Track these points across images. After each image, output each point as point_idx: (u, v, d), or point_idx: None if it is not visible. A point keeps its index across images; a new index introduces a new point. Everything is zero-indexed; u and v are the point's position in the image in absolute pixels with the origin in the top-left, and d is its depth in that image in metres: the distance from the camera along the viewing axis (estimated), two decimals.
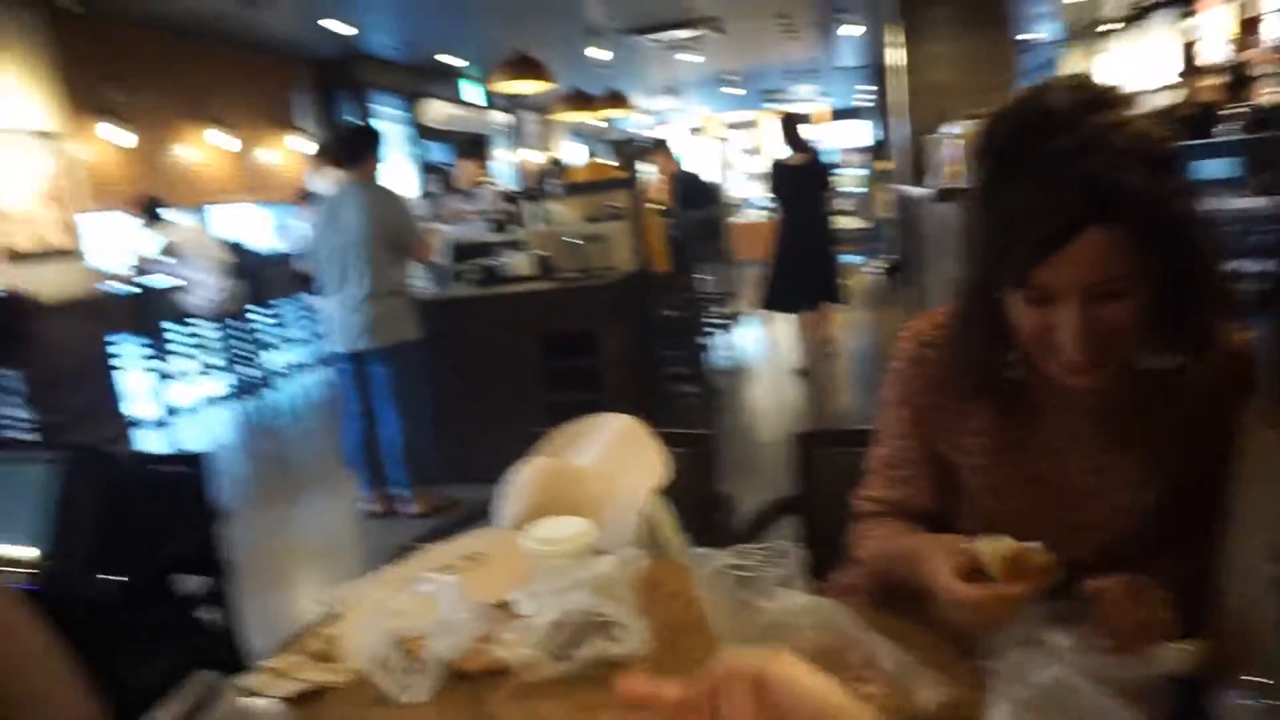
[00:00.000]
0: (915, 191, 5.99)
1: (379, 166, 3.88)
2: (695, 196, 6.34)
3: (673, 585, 1.36)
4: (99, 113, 6.57)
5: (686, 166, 7.20)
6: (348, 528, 4.08)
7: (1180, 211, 0.94)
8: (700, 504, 1.88)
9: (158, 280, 6.35)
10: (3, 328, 4.47)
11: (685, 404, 5.32)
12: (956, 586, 0.97)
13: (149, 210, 6.22)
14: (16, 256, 5.55)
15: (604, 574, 1.10)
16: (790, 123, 5.79)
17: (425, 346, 3.89)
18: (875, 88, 12.58)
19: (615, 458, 1.74)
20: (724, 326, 7.18)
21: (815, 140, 6.36)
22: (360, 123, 3.90)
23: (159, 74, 7.23)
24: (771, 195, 6.03)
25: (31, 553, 1.56)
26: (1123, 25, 9.73)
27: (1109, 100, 0.96)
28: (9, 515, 1.30)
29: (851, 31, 8.87)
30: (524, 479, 1.69)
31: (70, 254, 5.93)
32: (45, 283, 5.34)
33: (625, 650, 1.09)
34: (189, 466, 2.09)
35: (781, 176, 5.80)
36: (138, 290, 6.35)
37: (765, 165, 9.09)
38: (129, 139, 6.83)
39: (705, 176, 7.71)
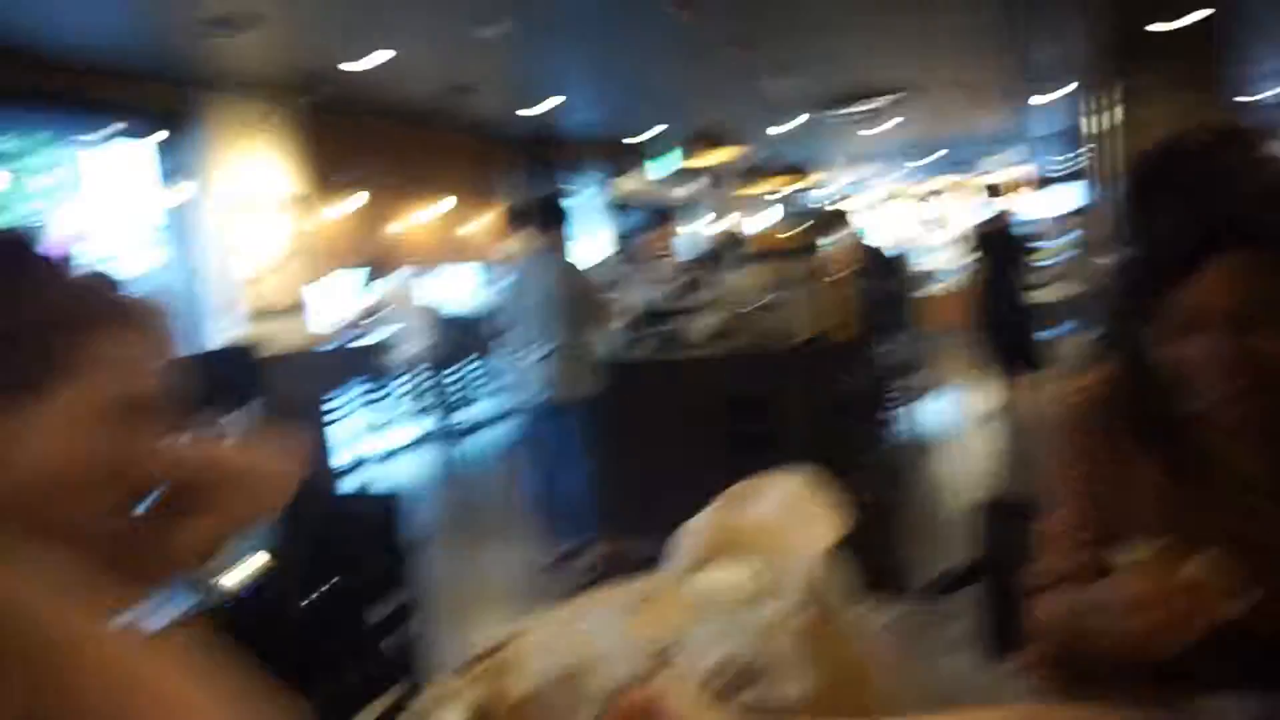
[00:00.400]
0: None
1: (565, 236, 4.19)
2: (877, 268, 6.23)
3: (840, 641, 1.33)
4: (332, 186, 7.33)
5: (869, 238, 7.11)
6: (527, 572, 4.22)
7: None
8: (875, 567, 1.82)
9: (373, 335, 6.94)
10: (231, 379, 4.98)
11: (864, 473, 5.16)
12: (1126, 582, 0.95)
13: (370, 271, 6.83)
14: (256, 313, 6.25)
15: (769, 620, 1.09)
16: (991, 192, 5.78)
17: (604, 404, 4.03)
18: (1075, 153, 11.99)
19: (789, 513, 1.72)
20: (907, 399, 6.94)
21: (1012, 208, 6.28)
22: (550, 194, 4.22)
23: (384, 153, 8.01)
24: (974, 259, 6.04)
25: (253, 566, 1.74)
26: None
27: (1245, 137, 0.98)
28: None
29: (1044, 99, 8.54)
30: (695, 529, 1.71)
31: (300, 310, 6.60)
32: (277, 336, 5.95)
33: (790, 697, 1.07)
34: (386, 506, 2.26)
35: (981, 242, 5.76)
36: (355, 344, 6.95)
37: (953, 235, 8.87)
38: (356, 209, 7.56)
39: (890, 247, 7.57)
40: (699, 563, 1.64)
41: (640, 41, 6.21)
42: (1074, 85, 7.95)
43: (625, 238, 6.46)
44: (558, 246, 4.12)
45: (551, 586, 3.98)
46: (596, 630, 1.13)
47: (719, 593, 1.22)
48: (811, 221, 6.36)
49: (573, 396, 3.97)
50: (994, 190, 6.64)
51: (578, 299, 4.01)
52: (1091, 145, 8.91)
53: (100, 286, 0.68)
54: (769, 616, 1.09)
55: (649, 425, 4.34)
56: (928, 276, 10.88)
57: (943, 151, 12.88)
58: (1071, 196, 14.49)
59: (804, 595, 1.27)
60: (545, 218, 4.11)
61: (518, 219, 6.68)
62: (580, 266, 4.28)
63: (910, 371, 6.94)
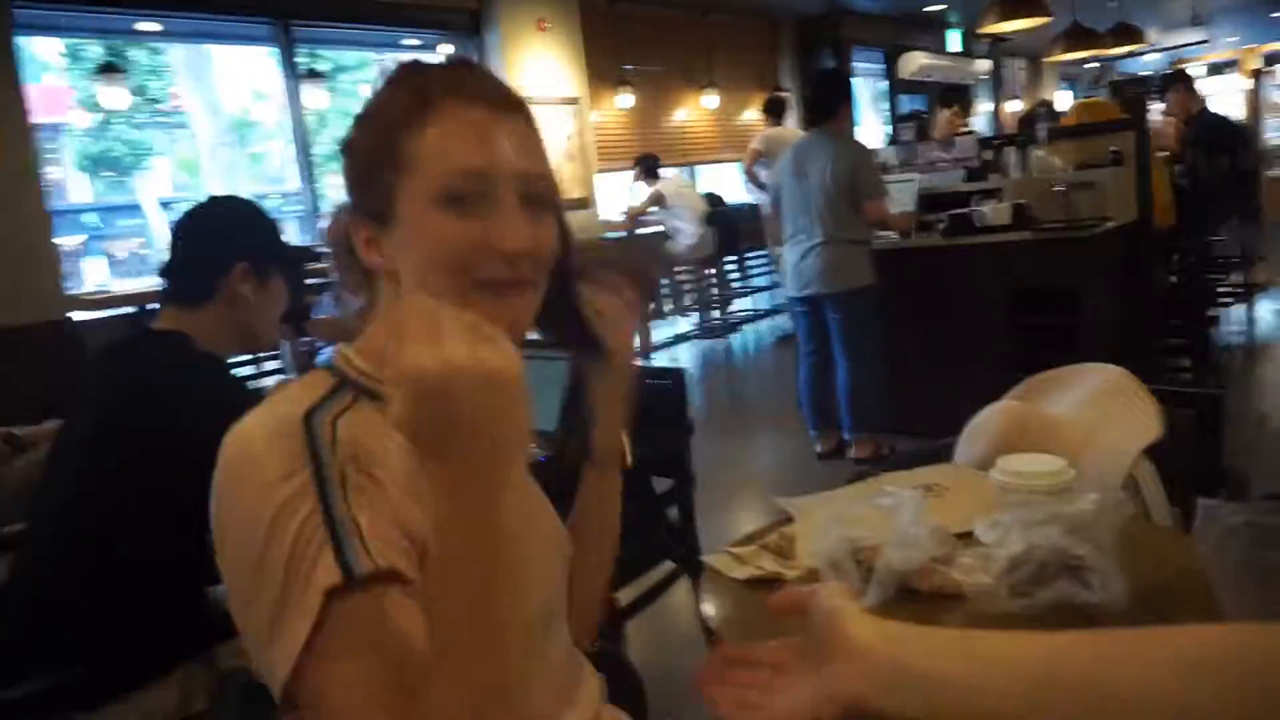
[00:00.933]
0: None
1: (851, 118, 3.92)
2: (1223, 141, 5.36)
3: (1162, 548, 1.20)
4: (611, 82, 7.49)
5: (1213, 106, 6.11)
6: (795, 463, 4.24)
7: None
8: (1199, 475, 1.62)
9: (649, 228, 7.12)
10: None
11: (1180, 381, 4.60)
12: None
13: (646, 167, 6.97)
14: None
15: (1083, 513, 1.00)
16: None
17: (881, 295, 3.85)
18: None
19: (1100, 409, 1.57)
20: (1241, 297, 6.03)
21: None
22: (830, 72, 3.89)
23: (661, 45, 8.02)
24: None
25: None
26: None
27: None
28: (543, 401, 1.58)
29: None
30: (990, 420, 1.60)
31: (584, 204, 6.90)
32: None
33: (1097, 599, 0.99)
34: (671, 381, 2.34)
35: None
36: (640, 234, 7.18)
37: None
38: (633, 105, 7.69)
39: (1234, 119, 6.47)
40: (997, 451, 1.54)
41: None
42: None
43: (910, 118, 6.01)
44: (842, 129, 3.88)
45: (820, 478, 3.94)
46: (893, 505, 1.10)
47: (1030, 478, 1.14)
48: (1141, 89, 5.56)
49: (842, 287, 3.80)
50: None
51: (861, 183, 3.76)
52: None
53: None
54: (1086, 509, 1.00)
55: (930, 317, 4.12)
56: (1276, 155, 9.25)
57: None
58: None
59: (1126, 492, 1.16)
60: (828, 98, 3.86)
61: (773, 104, 6.55)
62: (867, 148, 3.96)
63: (1247, 266, 6.01)
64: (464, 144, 0.74)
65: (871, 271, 3.85)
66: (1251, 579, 0.88)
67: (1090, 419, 1.54)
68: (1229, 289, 5.94)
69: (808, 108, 4.14)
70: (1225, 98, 10.96)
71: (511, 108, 0.78)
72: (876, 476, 1.54)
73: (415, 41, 6.68)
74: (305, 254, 2.87)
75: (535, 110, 0.80)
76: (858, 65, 9.65)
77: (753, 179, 6.39)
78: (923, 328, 4.13)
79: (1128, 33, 7.11)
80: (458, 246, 0.73)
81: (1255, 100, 11.63)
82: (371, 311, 0.84)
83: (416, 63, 0.80)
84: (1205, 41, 12.11)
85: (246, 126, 9.61)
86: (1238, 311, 5.93)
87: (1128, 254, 4.16)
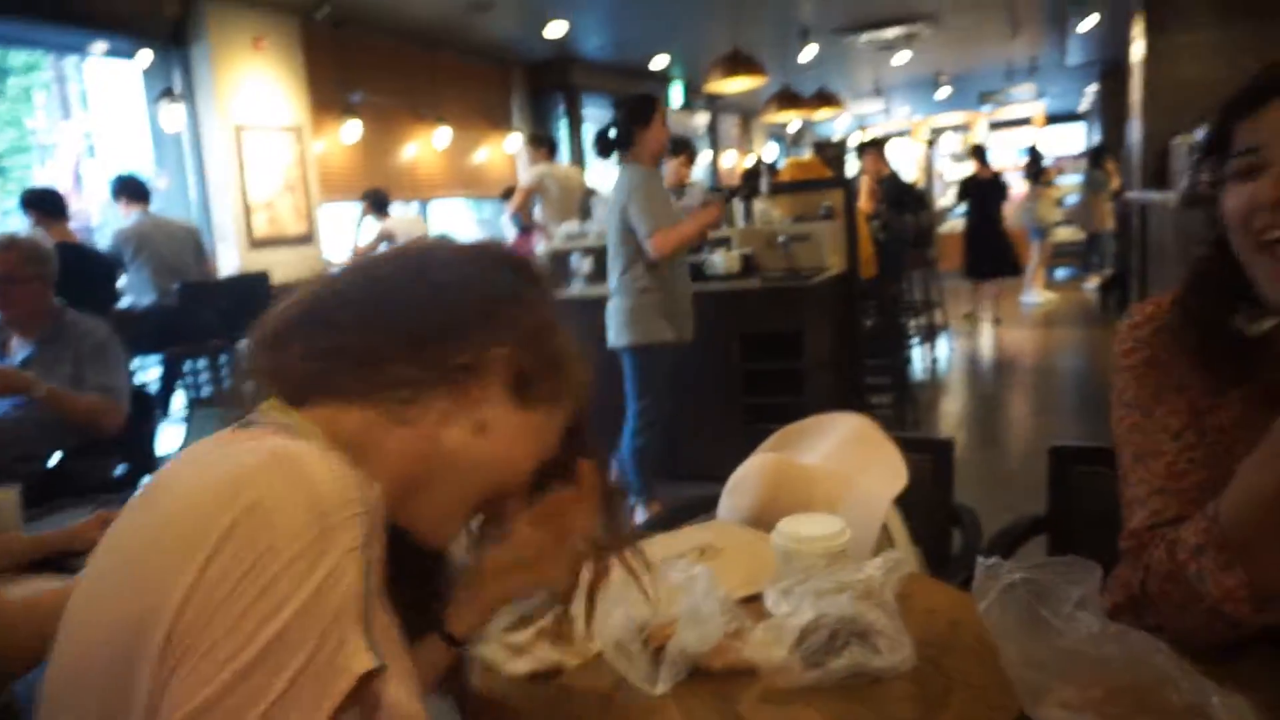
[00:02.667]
0: (1152, 197, 5.44)
1: (652, 144, 3.48)
2: (905, 201, 6.07)
3: (929, 600, 1.24)
4: (336, 111, 7.09)
5: (898, 170, 6.91)
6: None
7: None
8: (937, 516, 1.74)
9: None
10: (246, 307, 4.87)
11: (882, 415, 5.09)
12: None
13: (375, 202, 6.64)
14: (257, 242, 6.08)
15: (870, 578, 1.00)
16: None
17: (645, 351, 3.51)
18: (1100, 88, 11.63)
19: (851, 458, 1.63)
20: (926, 338, 6.84)
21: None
22: (633, 97, 3.35)
23: (390, 77, 7.73)
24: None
25: None
26: None
27: None
28: None
29: (1085, 25, 8.21)
30: (752, 474, 1.61)
31: (305, 240, 6.43)
32: (280, 266, 5.80)
33: (888, 663, 0.99)
34: None
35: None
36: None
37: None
38: (360, 136, 7.33)
39: (915, 182, 7.38)
40: (759, 511, 1.55)
41: None
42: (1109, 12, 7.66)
43: None
44: (636, 156, 3.46)
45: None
46: (682, 581, 1.04)
47: (811, 542, 1.12)
48: (842, 151, 6.15)
49: (621, 343, 3.48)
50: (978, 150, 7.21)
51: (630, 218, 3.40)
52: (1117, 79, 8.66)
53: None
54: (874, 575, 1.00)
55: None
56: (948, 213, 10.69)
57: (970, 83, 12.51)
58: (1082, 135, 14.21)
59: (900, 553, 1.18)
60: (620, 123, 3.48)
61: (536, 140, 6.41)
62: (641, 171, 3.46)
63: (929, 310, 6.82)
64: None
65: (650, 327, 3.46)
66: (1028, 631, 0.90)
67: (844, 468, 1.60)
68: (916, 330, 6.70)
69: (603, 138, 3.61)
70: (906, 162, 12.53)
71: None
72: (648, 540, 1.49)
73: (105, 45, 5.92)
74: None
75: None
76: (587, 111, 9.91)
77: (524, 217, 6.21)
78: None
79: (827, 99, 7.90)
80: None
81: (928, 165, 13.41)
82: None
83: None
84: (885, 111, 13.77)
85: None
86: (920, 351, 6.71)
87: (841, 300, 4.54)
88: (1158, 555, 1.00)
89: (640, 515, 3.60)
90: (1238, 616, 0.92)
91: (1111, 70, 9.75)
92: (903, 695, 0.99)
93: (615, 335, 3.51)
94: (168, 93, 5.69)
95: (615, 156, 3.54)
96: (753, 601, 1.14)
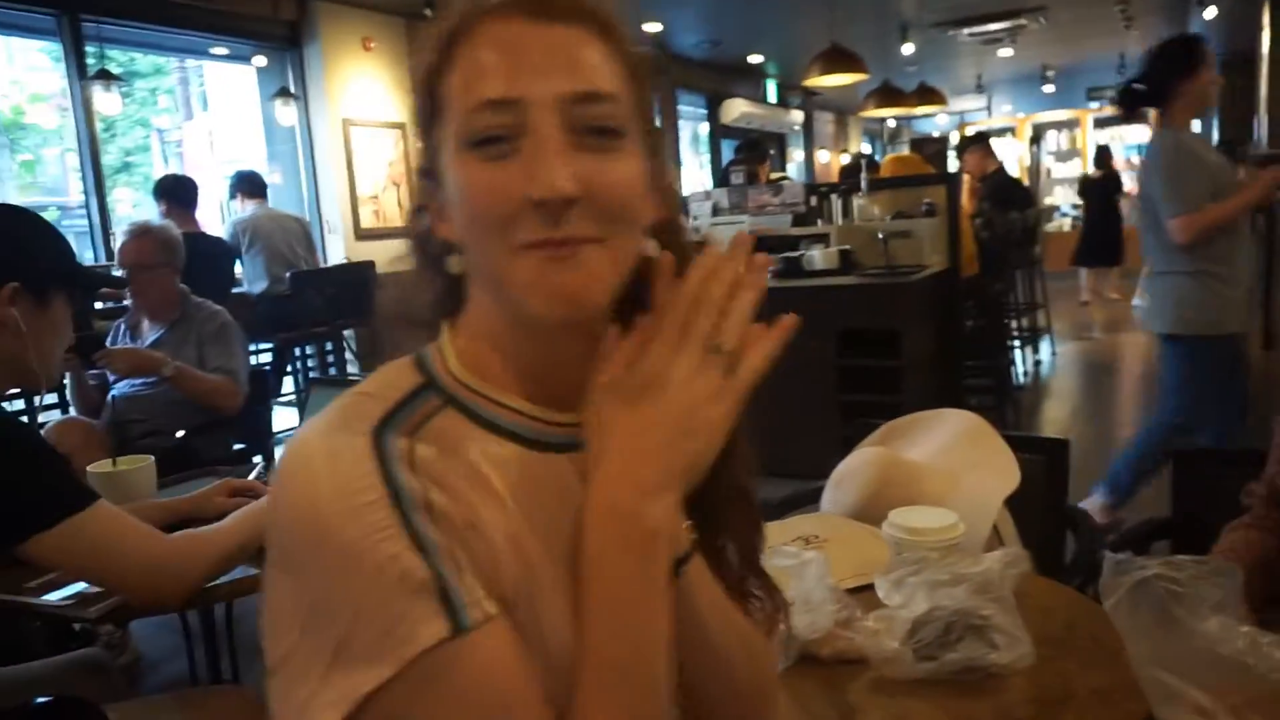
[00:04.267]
0: None
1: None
2: (1011, 198, 5.87)
3: (1045, 600, 1.20)
4: None
5: (1005, 166, 6.69)
6: None
7: None
8: (1049, 518, 1.69)
9: None
10: (353, 295, 5.04)
11: (984, 416, 4.94)
12: None
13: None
14: (364, 234, 6.30)
15: (988, 570, 0.97)
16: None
17: None
18: (1223, 81, 11.02)
19: (960, 456, 1.59)
20: (1027, 340, 6.60)
21: None
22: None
23: None
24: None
25: None
26: None
27: None
28: None
29: (1208, 13, 7.78)
30: (858, 468, 1.59)
31: (407, 232, 6.63)
32: (384, 255, 5.99)
33: (1005, 660, 0.96)
34: None
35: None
36: None
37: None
38: None
39: (1021, 179, 7.14)
40: (864, 505, 1.52)
41: None
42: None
43: (740, 163, 6.20)
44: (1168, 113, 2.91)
45: None
46: (795, 566, 1.04)
47: (925, 534, 1.10)
48: (942, 147, 6.00)
49: None
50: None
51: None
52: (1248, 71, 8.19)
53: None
54: (992, 568, 0.97)
55: None
56: (1054, 211, 10.31)
57: (1077, 78, 12.04)
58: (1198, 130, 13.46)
59: (1019, 548, 1.15)
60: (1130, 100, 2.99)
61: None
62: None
63: (1033, 311, 6.59)
64: (489, 69, 0.58)
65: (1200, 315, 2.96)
66: (1161, 630, 0.87)
67: (952, 466, 1.56)
68: (1016, 333, 6.48)
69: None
70: (1009, 160, 12.13)
71: (561, 14, 0.60)
72: None
73: (224, 51, 6.22)
74: (96, 276, 2.53)
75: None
76: (681, 109, 9.91)
77: None
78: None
79: (929, 94, 7.71)
80: (483, 199, 0.58)
81: (1035, 163, 12.95)
82: (460, 301, 0.68)
83: None
84: (986, 108, 13.37)
85: (18, 129, 8.62)
86: (1023, 353, 6.48)
87: (941, 298, 4.43)
88: None
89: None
90: None
91: (1236, 62, 9.22)
92: (1019, 693, 0.97)
93: (1159, 321, 3.02)
94: (283, 91, 5.93)
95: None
96: (862, 592, 1.13)
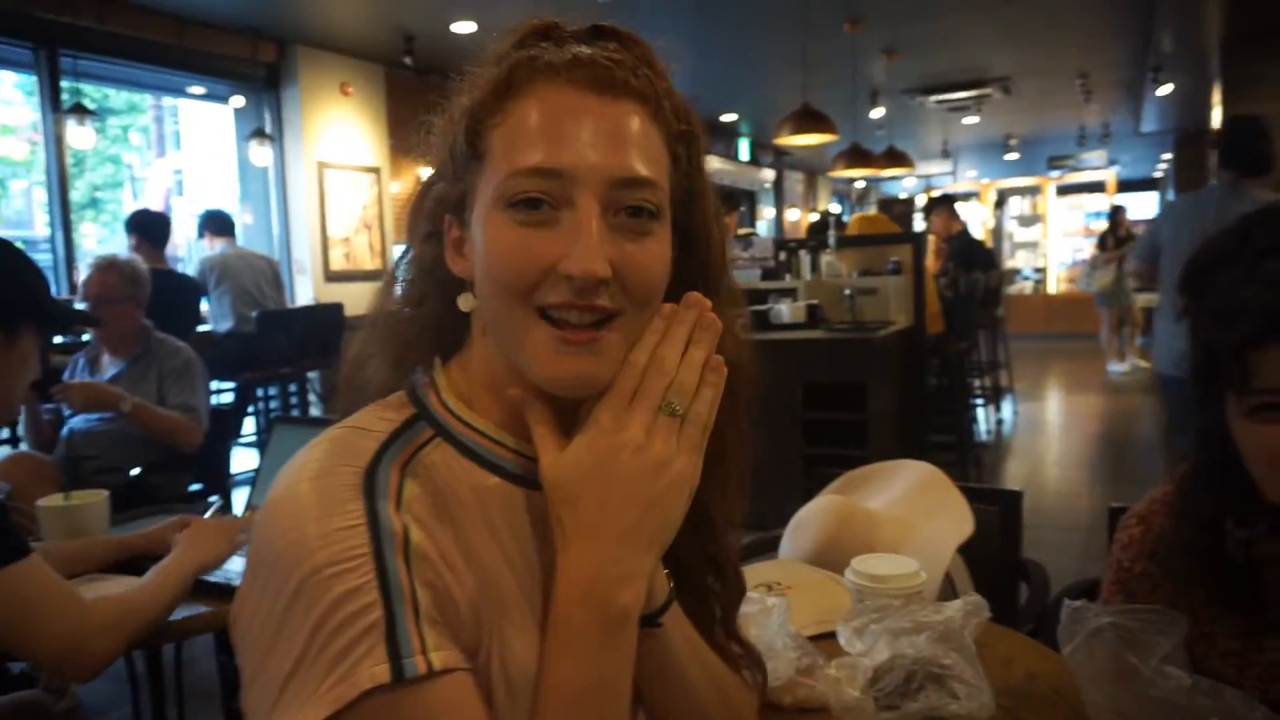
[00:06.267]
0: None
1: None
2: (976, 259, 6.00)
3: (1005, 649, 1.21)
4: (414, 155, 7.29)
5: (970, 229, 6.86)
6: None
7: None
8: (1003, 568, 1.70)
9: None
10: (320, 336, 5.01)
11: (945, 472, 4.98)
12: None
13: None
14: (333, 275, 6.27)
15: (949, 619, 0.98)
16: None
17: None
18: (1175, 155, 11.43)
19: (916, 505, 1.61)
20: (990, 398, 6.70)
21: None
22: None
23: None
24: None
25: None
26: None
27: None
28: None
29: (1161, 91, 8.12)
30: (815, 515, 1.60)
31: (378, 276, 6.61)
32: (352, 298, 5.96)
33: (965, 710, 0.96)
34: None
35: None
36: None
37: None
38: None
39: (985, 241, 7.31)
40: (821, 552, 1.53)
41: (734, 18, 6.06)
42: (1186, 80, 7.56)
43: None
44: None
45: None
46: (755, 613, 1.03)
47: (887, 581, 1.11)
48: (909, 209, 6.13)
49: None
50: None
51: None
52: (1197, 146, 8.52)
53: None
54: (953, 616, 0.98)
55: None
56: (1015, 275, 10.54)
57: (1039, 147, 12.43)
58: (1154, 202, 13.91)
59: (978, 597, 1.16)
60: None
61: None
62: None
63: (994, 370, 6.70)
64: (540, 135, 0.59)
65: None
66: (1115, 679, 0.88)
67: (908, 514, 1.57)
68: (979, 391, 6.58)
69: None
70: (972, 223, 12.42)
71: (621, 89, 0.61)
72: None
73: (202, 90, 6.23)
74: (67, 311, 2.49)
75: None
76: None
77: None
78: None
79: (897, 157, 7.92)
80: (515, 261, 0.59)
81: (999, 226, 13.27)
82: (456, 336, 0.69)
83: (529, 30, 0.65)
84: (952, 173, 13.73)
85: None
86: (985, 411, 6.57)
87: (906, 355, 4.49)
88: None
89: None
90: None
91: (1188, 138, 9.59)
92: None
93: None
94: (259, 132, 5.94)
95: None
96: (824, 639, 1.12)
